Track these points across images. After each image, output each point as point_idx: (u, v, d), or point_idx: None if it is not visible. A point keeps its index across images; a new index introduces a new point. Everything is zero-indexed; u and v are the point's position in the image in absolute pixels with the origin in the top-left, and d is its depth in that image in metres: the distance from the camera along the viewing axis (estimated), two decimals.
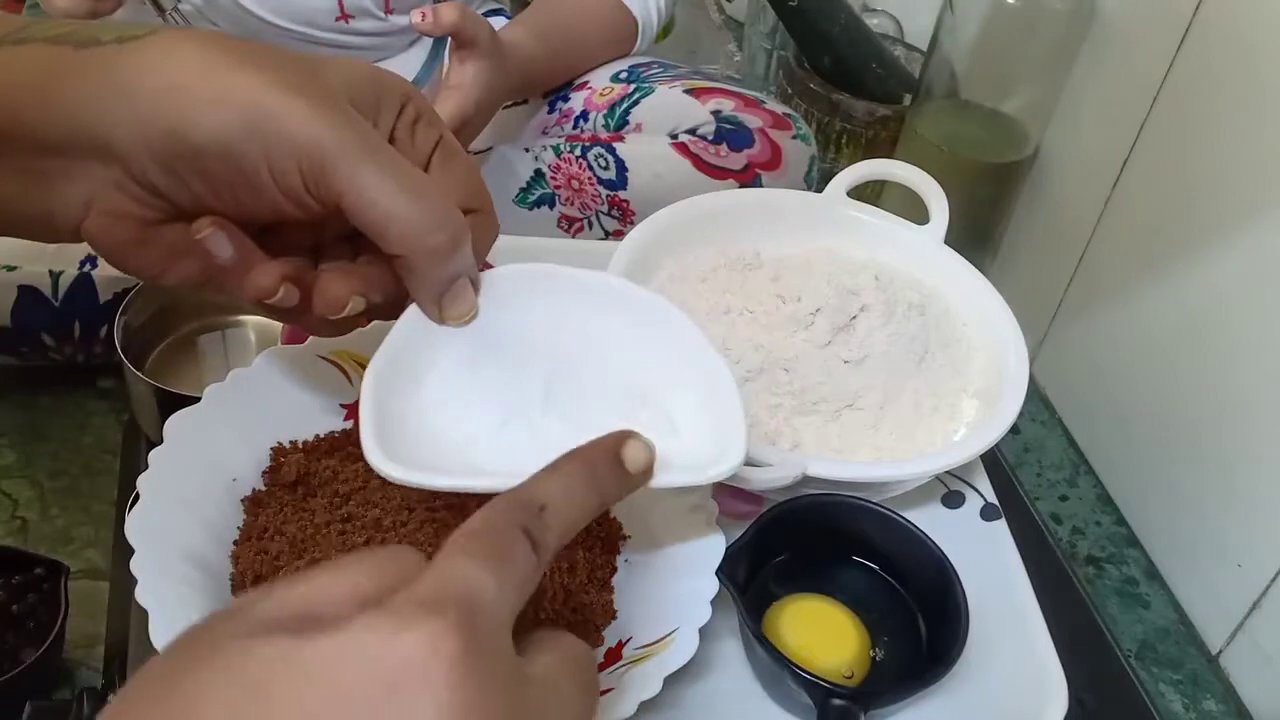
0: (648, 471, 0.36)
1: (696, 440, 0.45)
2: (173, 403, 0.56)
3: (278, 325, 0.71)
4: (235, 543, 0.51)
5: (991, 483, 0.62)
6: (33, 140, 0.36)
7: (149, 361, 0.72)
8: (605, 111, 0.89)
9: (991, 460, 0.64)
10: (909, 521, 0.55)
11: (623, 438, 0.35)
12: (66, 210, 0.38)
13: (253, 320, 0.76)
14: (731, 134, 0.84)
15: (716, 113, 0.85)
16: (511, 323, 0.45)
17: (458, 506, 0.53)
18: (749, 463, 0.53)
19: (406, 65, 0.92)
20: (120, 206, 0.37)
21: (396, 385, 0.43)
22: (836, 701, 0.48)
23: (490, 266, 0.45)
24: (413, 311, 0.42)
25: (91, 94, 0.35)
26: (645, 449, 0.35)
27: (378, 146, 0.37)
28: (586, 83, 0.93)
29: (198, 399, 0.51)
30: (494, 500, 0.31)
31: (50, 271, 0.77)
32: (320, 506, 0.53)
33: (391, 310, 0.42)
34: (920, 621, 0.54)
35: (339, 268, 0.41)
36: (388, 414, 0.42)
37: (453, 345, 0.44)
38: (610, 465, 0.34)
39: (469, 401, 0.44)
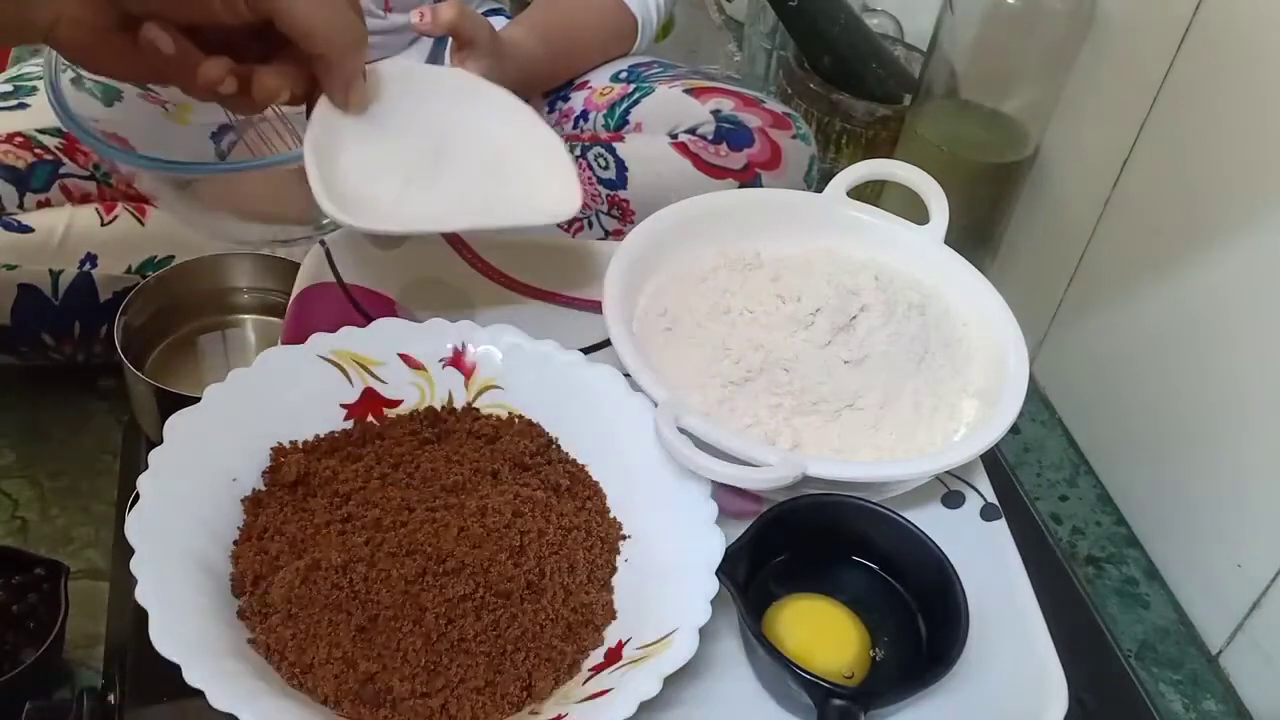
0: None
1: (544, 192, 0.60)
2: (173, 403, 0.57)
3: (277, 324, 0.71)
4: (235, 543, 0.51)
5: (991, 483, 0.62)
6: None
7: (149, 361, 0.72)
8: (605, 111, 0.89)
9: (991, 460, 0.63)
10: (909, 521, 0.55)
11: None
12: (41, 20, 0.47)
13: (252, 320, 0.76)
14: (731, 133, 0.84)
15: (716, 112, 0.85)
16: (397, 110, 0.58)
17: (457, 507, 0.53)
18: (749, 463, 0.53)
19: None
20: (81, 15, 0.47)
21: (324, 160, 0.54)
22: (836, 701, 0.48)
23: None
24: (323, 104, 0.54)
25: None
26: None
27: None
28: (586, 82, 0.93)
29: (198, 399, 0.52)
30: None
31: (50, 270, 0.77)
32: (320, 506, 0.53)
33: (302, 100, 0.54)
34: (920, 621, 0.54)
35: (270, 68, 0.51)
36: (328, 181, 0.53)
37: (358, 128, 0.56)
38: None
39: (375, 172, 0.56)
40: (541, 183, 0.60)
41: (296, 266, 0.67)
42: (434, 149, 0.59)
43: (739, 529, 0.53)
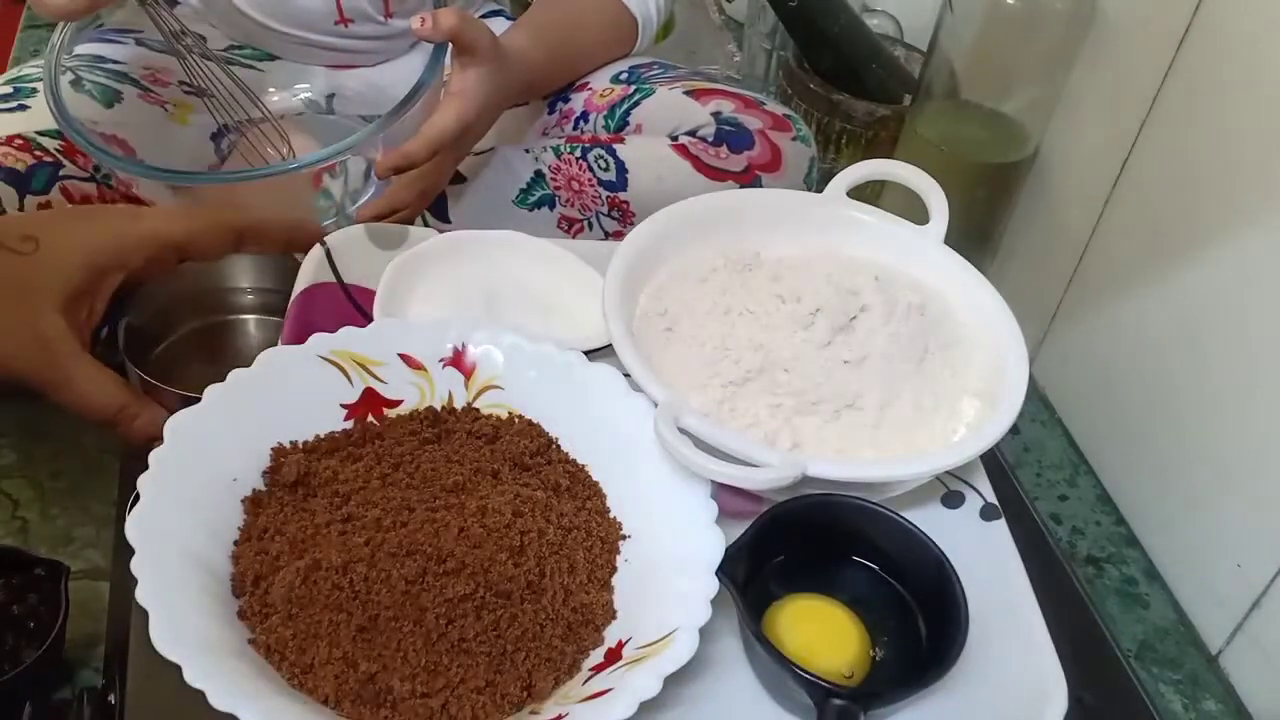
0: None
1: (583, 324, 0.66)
2: (175, 402, 0.58)
3: (277, 323, 0.71)
4: (235, 543, 0.51)
5: (991, 483, 0.62)
6: None
7: (150, 361, 0.72)
8: (605, 112, 0.89)
9: (991, 460, 0.63)
10: (909, 521, 0.55)
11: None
12: None
13: (254, 319, 0.76)
14: (731, 135, 0.84)
15: (716, 114, 0.85)
16: (450, 275, 0.68)
17: (457, 507, 0.53)
18: (749, 463, 0.53)
19: (407, 69, 0.92)
20: None
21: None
22: (836, 701, 0.48)
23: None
24: (387, 274, 0.66)
25: None
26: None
27: (62, 369, 0.57)
28: (587, 84, 0.93)
29: (199, 398, 0.53)
30: None
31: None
32: (320, 506, 0.53)
33: None
34: (920, 621, 0.54)
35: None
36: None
37: (421, 292, 0.67)
38: None
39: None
40: (580, 316, 0.67)
41: (296, 266, 0.67)
42: (485, 300, 0.67)
43: (739, 529, 0.53)
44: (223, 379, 0.55)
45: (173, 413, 0.52)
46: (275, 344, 0.60)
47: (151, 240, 0.59)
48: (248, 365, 0.55)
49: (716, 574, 0.49)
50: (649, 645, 0.48)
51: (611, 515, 0.56)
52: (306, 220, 0.68)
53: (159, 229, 0.60)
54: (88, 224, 0.59)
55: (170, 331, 0.73)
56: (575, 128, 0.91)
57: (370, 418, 0.58)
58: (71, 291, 0.57)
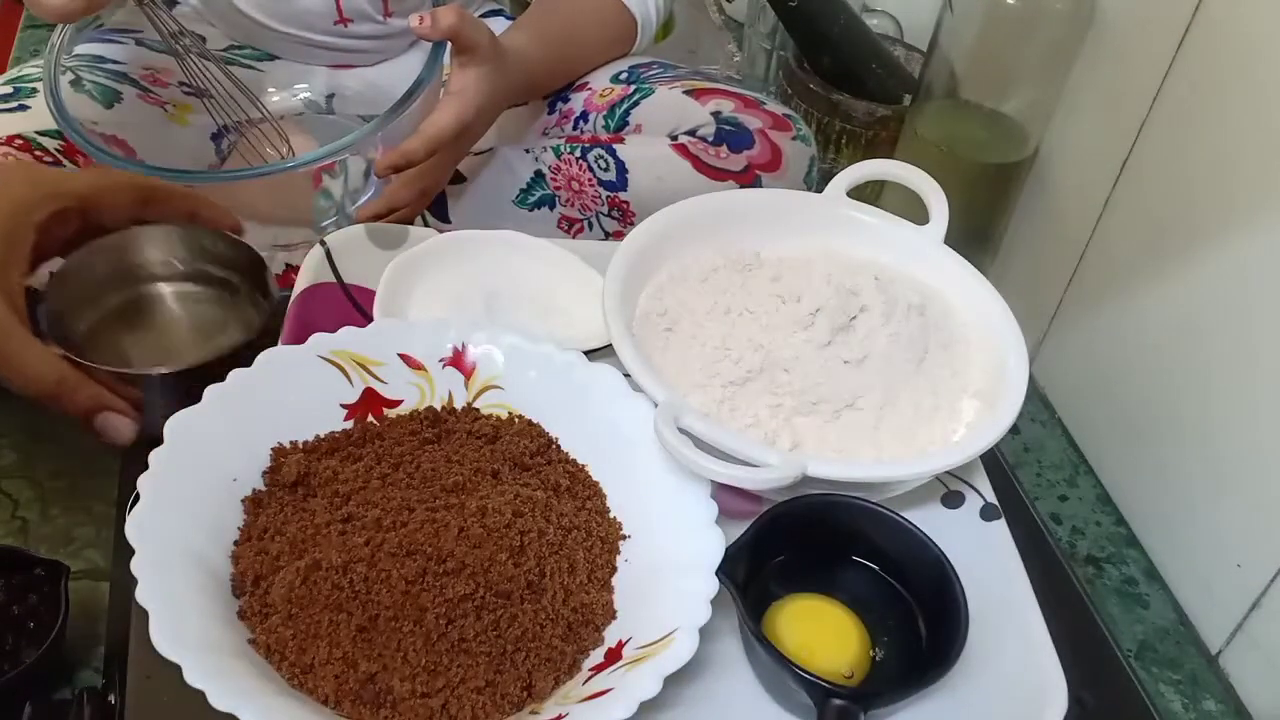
0: None
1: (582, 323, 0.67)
2: (106, 379, 0.60)
3: (198, 292, 0.70)
4: (235, 543, 0.52)
5: (991, 483, 0.62)
6: None
7: (74, 342, 0.65)
8: (605, 112, 0.89)
9: (991, 460, 0.64)
10: (909, 521, 0.55)
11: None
12: None
13: (171, 289, 0.71)
14: (731, 135, 0.84)
15: (716, 114, 0.85)
16: (452, 274, 0.68)
17: (457, 507, 0.53)
18: (749, 463, 0.53)
19: (406, 68, 0.92)
20: None
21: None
22: (836, 701, 0.48)
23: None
24: (388, 274, 0.66)
25: None
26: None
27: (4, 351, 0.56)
28: (587, 83, 0.93)
29: (131, 373, 0.60)
30: None
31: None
32: (320, 506, 0.53)
33: None
34: (920, 621, 0.54)
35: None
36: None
37: (421, 291, 0.67)
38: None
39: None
40: (580, 316, 0.67)
41: (205, 236, 0.69)
42: (485, 300, 0.68)
43: (739, 529, 0.53)
44: (151, 351, 0.57)
45: (106, 388, 0.56)
46: (199, 315, 0.66)
47: (54, 196, 0.60)
48: (174, 339, 0.59)
49: (716, 574, 0.49)
50: (649, 645, 0.48)
51: (611, 515, 0.56)
52: (209, 199, 0.68)
53: (60, 184, 0.61)
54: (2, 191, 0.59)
55: (90, 310, 0.68)
56: (575, 128, 0.91)
57: (370, 418, 0.58)
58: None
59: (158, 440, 0.51)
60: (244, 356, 0.57)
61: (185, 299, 0.71)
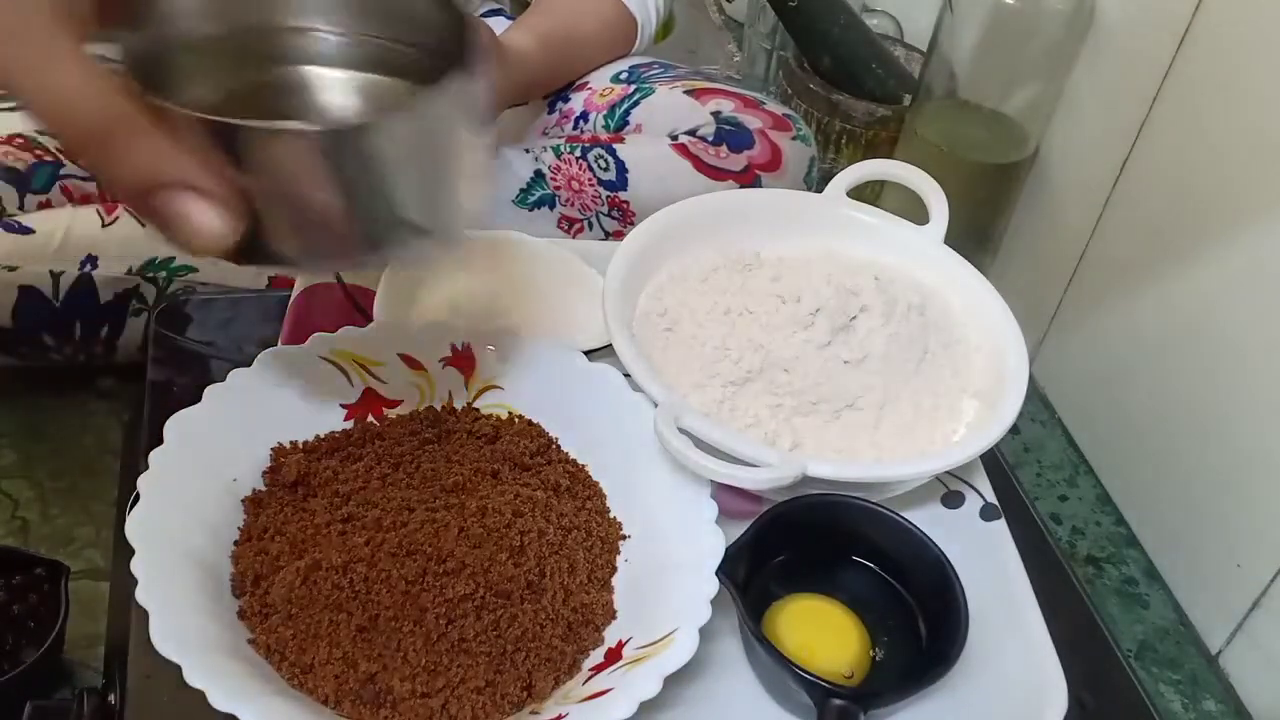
0: None
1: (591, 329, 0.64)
2: (189, 130, 0.36)
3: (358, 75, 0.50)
4: (235, 543, 0.51)
5: (991, 483, 0.62)
6: None
7: (153, 74, 0.42)
8: (605, 112, 0.89)
9: (991, 460, 0.63)
10: (909, 521, 0.55)
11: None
12: None
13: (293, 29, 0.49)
14: (731, 135, 0.84)
15: (716, 114, 0.85)
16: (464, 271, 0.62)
17: (457, 507, 0.53)
18: (749, 463, 0.53)
19: None
20: None
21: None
22: (836, 701, 0.48)
23: None
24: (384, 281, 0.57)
25: None
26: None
27: (32, 48, 0.34)
28: (587, 83, 0.93)
29: (226, 122, 0.36)
30: None
31: (51, 272, 0.77)
32: (320, 506, 0.53)
33: None
34: (920, 621, 0.54)
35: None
36: None
37: (423, 293, 0.62)
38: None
39: None
40: (580, 316, 0.67)
41: None
42: (485, 300, 0.66)
43: (739, 529, 0.53)
44: (247, 101, 0.41)
45: (185, 146, 0.34)
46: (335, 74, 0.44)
47: None
48: (285, 95, 0.42)
49: (716, 574, 0.49)
50: (649, 645, 0.48)
51: (611, 515, 0.56)
52: None
53: None
54: None
55: (191, 74, 0.45)
56: (575, 127, 0.91)
57: (370, 418, 0.58)
58: None
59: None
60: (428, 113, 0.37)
61: (348, 89, 0.46)
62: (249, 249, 0.37)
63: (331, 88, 0.45)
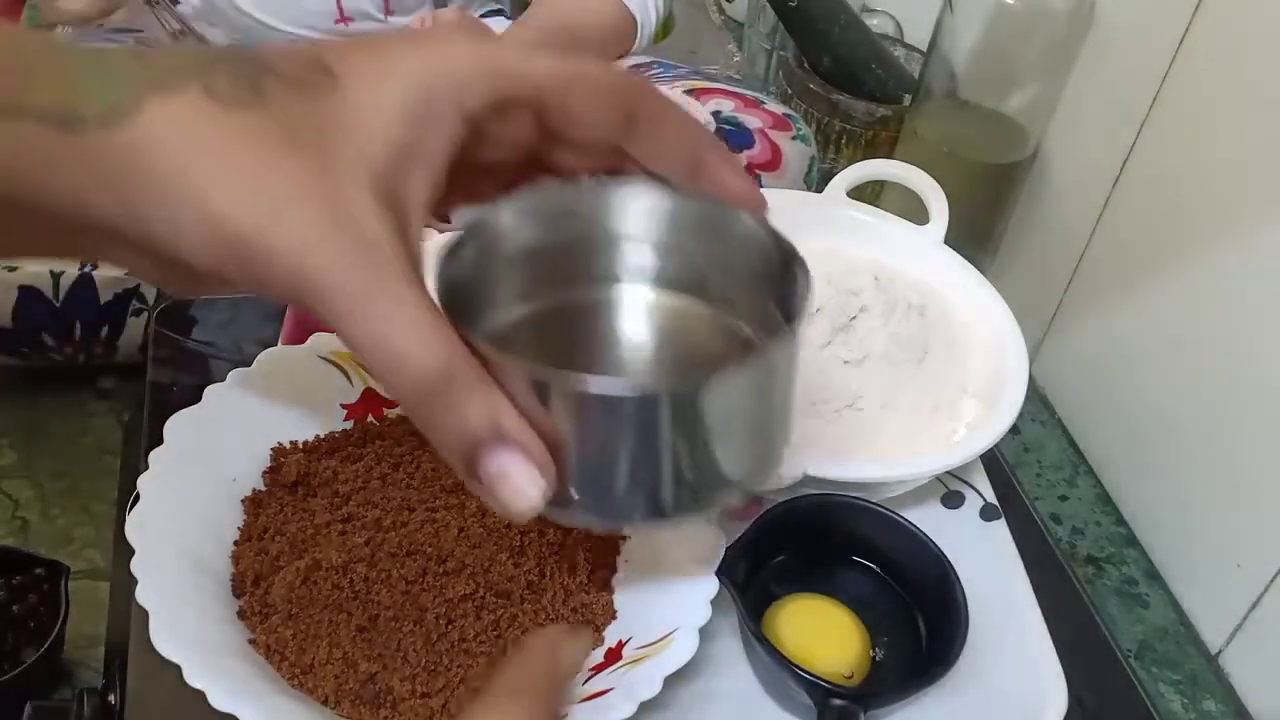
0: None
1: None
2: (521, 382, 0.34)
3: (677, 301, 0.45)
4: (235, 543, 0.51)
5: (991, 483, 0.62)
6: (46, 225, 0.33)
7: (483, 321, 0.43)
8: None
9: (991, 460, 0.63)
10: (909, 521, 0.55)
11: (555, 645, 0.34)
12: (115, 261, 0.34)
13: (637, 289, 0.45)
14: (731, 135, 0.84)
15: (716, 113, 0.85)
16: None
17: (457, 507, 0.53)
18: None
19: None
20: (152, 275, 0.34)
21: None
22: (836, 701, 0.48)
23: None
24: None
25: (90, 197, 0.32)
26: (583, 649, 0.33)
27: (367, 284, 0.31)
28: None
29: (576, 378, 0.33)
30: None
31: (51, 272, 0.77)
32: (320, 506, 0.53)
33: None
34: (920, 621, 0.54)
35: None
36: None
37: None
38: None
39: None
40: None
41: (722, 214, 0.41)
42: None
43: (739, 529, 0.53)
44: (548, 322, 0.39)
45: (515, 400, 0.32)
46: (679, 336, 0.41)
47: (496, 74, 0.34)
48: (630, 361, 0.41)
49: (716, 574, 0.49)
50: (649, 645, 0.48)
51: None
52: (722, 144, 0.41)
53: (507, 61, 0.35)
54: (407, 48, 0.34)
55: (509, 295, 0.42)
56: None
57: (370, 418, 0.58)
58: (389, 153, 0.32)
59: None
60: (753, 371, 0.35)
61: (666, 314, 0.42)
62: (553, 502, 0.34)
63: (634, 307, 0.41)
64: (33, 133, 0.31)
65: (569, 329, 0.41)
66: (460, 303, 0.35)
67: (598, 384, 0.32)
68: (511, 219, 0.38)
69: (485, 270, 0.38)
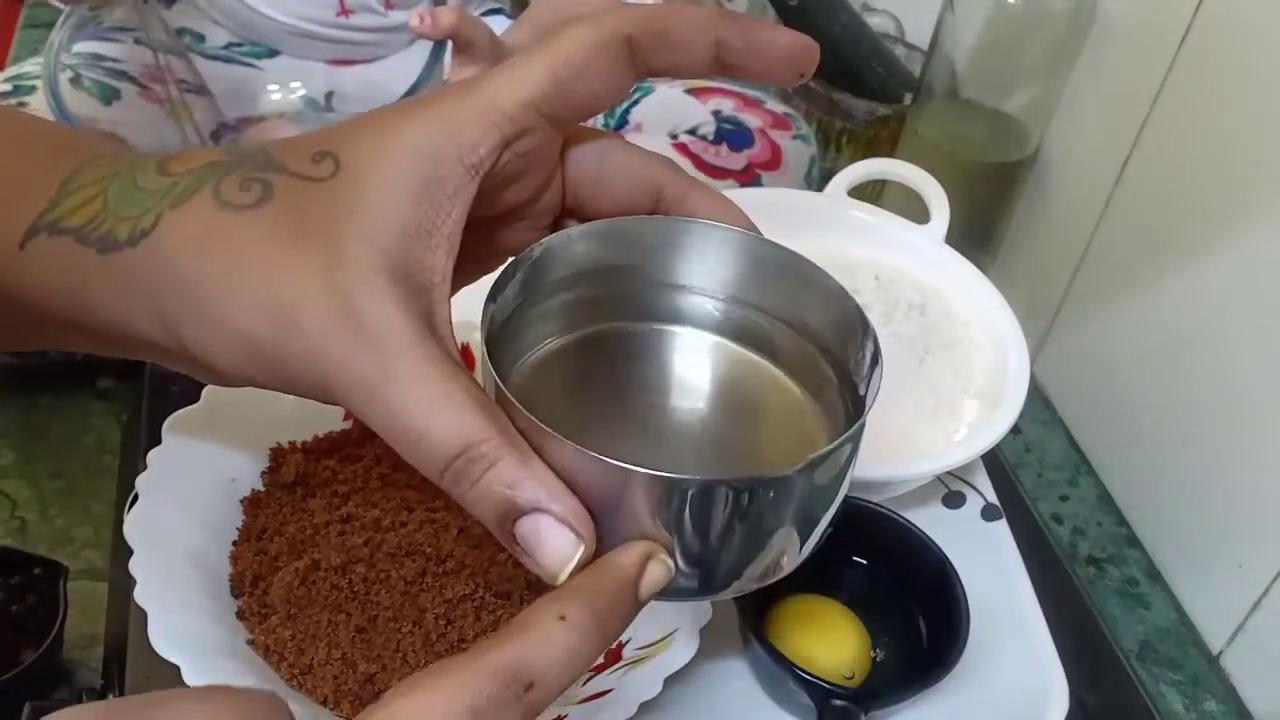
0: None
1: None
2: (559, 453, 0.32)
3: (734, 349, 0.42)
4: (234, 543, 0.51)
5: (992, 483, 0.62)
6: (86, 334, 0.35)
7: (514, 374, 0.41)
8: (605, 111, 0.89)
9: (992, 460, 0.63)
10: (909, 522, 0.55)
11: (644, 559, 0.31)
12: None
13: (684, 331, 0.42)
14: (731, 134, 0.84)
15: (717, 113, 0.85)
16: None
17: (457, 507, 0.53)
18: None
19: (407, 64, 0.92)
20: (193, 373, 0.35)
21: None
22: (837, 702, 0.47)
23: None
24: None
25: (126, 315, 0.33)
26: (666, 569, 0.31)
27: (382, 365, 0.31)
28: None
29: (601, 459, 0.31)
30: (474, 672, 0.28)
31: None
32: (319, 507, 0.53)
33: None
34: (921, 622, 0.54)
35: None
36: None
37: None
38: (625, 605, 0.30)
39: None
40: None
41: (786, 260, 0.40)
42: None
43: None
44: (590, 356, 0.38)
45: (552, 459, 0.31)
46: (739, 395, 0.39)
47: (494, 109, 0.33)
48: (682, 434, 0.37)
49: None
50: (649, 646, 0.48)
51: None
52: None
53: (499, 91, 0.33)
54: (406, 118, 0.33)
55: (543, 354, 0.39)
56: None
57: None
58: (398, 231, 0.32)
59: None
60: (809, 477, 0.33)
61: (725, 362, 0.39)
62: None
63: (692, 347, 0.39)
64: (73, 251, 0.32)
65: (619, 360, 0.39)
66: (506, 339, 0.35)
67: (639, 472, 0.30)
68: (563, 247, 0.36)
69: (536, 297, 0.37)
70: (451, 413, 0.31)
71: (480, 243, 0.36)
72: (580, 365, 0.38)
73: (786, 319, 0.39)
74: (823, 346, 0.38)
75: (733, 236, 0.38)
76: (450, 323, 0.34)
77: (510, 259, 0.36)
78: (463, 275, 0.37)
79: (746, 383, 0.39)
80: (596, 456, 0.30)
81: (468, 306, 0.37)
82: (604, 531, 0.32)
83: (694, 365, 0.39)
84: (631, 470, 0.30)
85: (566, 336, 0.38)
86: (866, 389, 0.36)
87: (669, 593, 0.32)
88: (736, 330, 0.39)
